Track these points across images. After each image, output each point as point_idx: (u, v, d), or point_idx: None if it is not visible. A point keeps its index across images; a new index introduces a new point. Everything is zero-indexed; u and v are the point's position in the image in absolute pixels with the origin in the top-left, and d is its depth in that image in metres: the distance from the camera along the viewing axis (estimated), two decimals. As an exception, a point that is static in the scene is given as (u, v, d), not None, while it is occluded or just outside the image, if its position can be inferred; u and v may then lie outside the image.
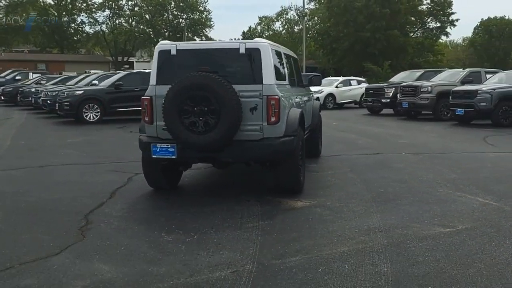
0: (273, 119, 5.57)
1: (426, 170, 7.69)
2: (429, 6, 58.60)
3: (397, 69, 49.10)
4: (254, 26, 58.80)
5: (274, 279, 3.65)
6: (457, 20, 61.03)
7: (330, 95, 23.05)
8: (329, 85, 23.79)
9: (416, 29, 59.52)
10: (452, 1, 58.06)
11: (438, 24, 60.09)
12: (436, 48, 60.69)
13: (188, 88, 5.41)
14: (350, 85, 23.91)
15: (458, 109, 14.47)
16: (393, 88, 18.55)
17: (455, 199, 5.89)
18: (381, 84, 19.79)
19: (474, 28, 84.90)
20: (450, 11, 59.37)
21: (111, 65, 57.80)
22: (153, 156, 5.80)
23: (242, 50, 5.66)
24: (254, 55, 5.66)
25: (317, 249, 4.26)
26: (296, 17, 55.49)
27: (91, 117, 15.43)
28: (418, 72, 20.39)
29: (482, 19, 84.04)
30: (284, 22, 55.53)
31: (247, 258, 4.08)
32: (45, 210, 5.68)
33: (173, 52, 5.76)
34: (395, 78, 21.01)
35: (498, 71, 17.12)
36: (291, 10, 55.01)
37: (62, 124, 15.67)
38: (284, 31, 54.99)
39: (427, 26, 60.47)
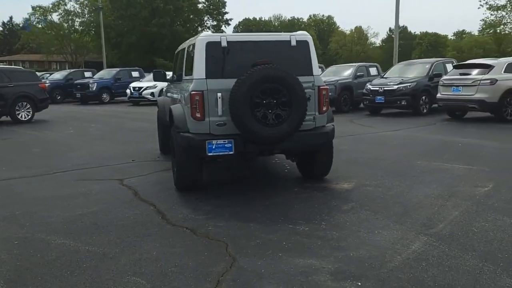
0: (324, 108, 5.89)
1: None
2: (205, 5, 61.78)
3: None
4: (28, 16, 52.99)
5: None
6: (231, 19, 65.94)
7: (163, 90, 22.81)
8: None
9: (195, 26, 62.16)
10: (225, 1, 62.29)
11: (215, 23, 63.86)
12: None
13: (262, 80, 5.33)
14: (181, 79, 24.04)
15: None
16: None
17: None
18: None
19: (234, 28, 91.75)
20: (224, 11, 63.66)
21: None
22: (209, 154, 5.52)
23: (293, 43, 5.79)
24: (303, 47, 5.85)
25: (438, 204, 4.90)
26: (78, 8, 52.02)
27: None
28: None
29: (244, 18, 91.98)
30: (63, 14, 51.50)
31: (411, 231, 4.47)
32: None
33: (224, 44, 5.55)
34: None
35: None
36: (70, 0, 51.21)
37: None
38: (64, 22, 50.99)
39: (205, 24, 63.74)
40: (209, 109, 5.50)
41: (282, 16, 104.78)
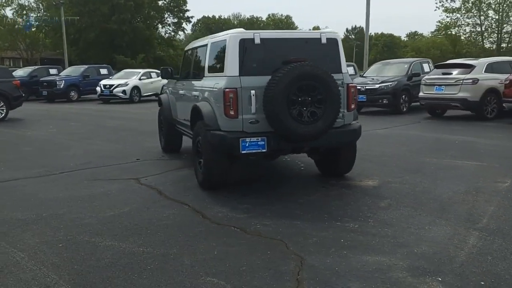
0: (352, 106, 5.93)
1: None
2: (165, 2, 60.96)
3: (149, 63, 50.01)
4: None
5: None
6: (192, 17, 65.36)
7: (136, 88, 22.39)
8: (127, 78, 23.06)
9: (155, 23, 61.23)
10: (186, -1, 61.58)
11: (176, 20, 63.12)
12: (175, 43, 63.75)
13: (300, 78, 5.30)
14: (151, 77, 23.66)
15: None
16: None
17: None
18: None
19: (193, 25, 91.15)
20: (185, 8, 63.01)
21: None
22: (242, 152, 5.46)
23: (323, 40, 5.79)
24: (333, 45, 5.86)
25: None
26: (33, 3, 50.11)
27: None
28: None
29: (203, 16, 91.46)
30: (17, 8, 49.53)
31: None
32: None
33: (257, 41, 5.49)
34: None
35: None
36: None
37: None
38: (19, 17, 49.03)
39: (165, 21, 62.90)
40: (242, 106, 5.41)
41: (241, 15, 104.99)
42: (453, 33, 51.57)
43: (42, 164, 7.81)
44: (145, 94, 22.85)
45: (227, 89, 5.36)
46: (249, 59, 5.46)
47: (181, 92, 7.30)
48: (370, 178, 6.48)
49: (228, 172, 5.87)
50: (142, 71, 23.91)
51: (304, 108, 5.39)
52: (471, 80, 12.76)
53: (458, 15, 50.18)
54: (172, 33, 63.96)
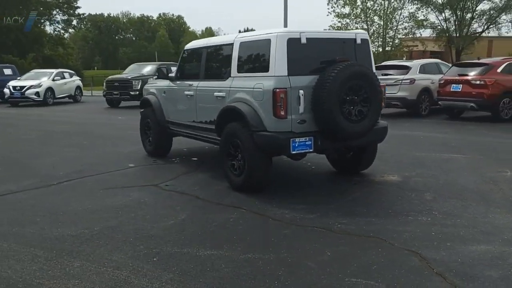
0: (382, 104, 6.20)
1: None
2: (55, -1, 57.39)
3: (38, 62, 46.64)
4: None
5: None
6: (83, 14, 62.17)
7: (49, 89, 20.85)
8: (39, 79, 21.43)
9: (43, 21, 57.29)
10: (77, -5, 58.48)
11: (66, 17, 59.63)
12: (65, 41, 60.27)
13: (351, 77, 5.42)
14: (65, 77, 22.17)
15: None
16: (141, 81, 18.80)
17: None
18: (126, 76, 19.56)
19: (77, 23, 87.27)
20: (76, 5, 59.79)
21: None
22: (292, 152, 5.48)
23: (358, 41, 5.95)
24: (365, 45, 6.05)
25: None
26: None
27: None
28: (149, 65, 20.99)
29: (90, 14, 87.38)
30: None
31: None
32: None
33: (303, 40, 5.51)
34: (128, 70, 21.06)
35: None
36: None
37: None
38: None
39: (54, 18, 59.14)
40: (291, 106, 5.40)
41: (130, 13, 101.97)
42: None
43: (28, 175, 7.07)
44: (59, 96, 21.38)
45: (278, 89, 5.30)
46: (295, 59, 5.45)
47: (187, 93, 7.01)
48: (387, 173, 6.76)
49: (270, 174, 5.79)
50: (54, 71, 22.29)
51: (352, 107, 5.50)
52: (408, 80, 13.75)
53: (348, 20, 53.39)
54: (62, 31, 60.27)
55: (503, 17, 49.26)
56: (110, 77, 20.22)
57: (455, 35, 46.89)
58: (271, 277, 3.57)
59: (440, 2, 50.10)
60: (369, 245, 4.18)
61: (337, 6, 51.21)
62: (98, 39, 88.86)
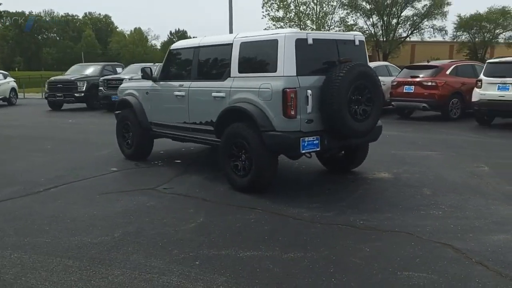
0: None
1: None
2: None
3: None
4: None
5: None
6: (4, 11, 58.95)
7: (-16, 91, 19.53)
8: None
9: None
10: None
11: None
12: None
13: (358, 77, 5.58)
14: (-2, 79, 20.85)
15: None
16: (86, 82, 18.18)
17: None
18: (70, 78, 18.75)
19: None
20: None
21: None
22: (302, 152, 5.58)
23: (356, 42, 6.15)
24: (362, 46, 6.25)
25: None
26: None
27: None
28: (92, 66, 20.27)
29: (7, 11, 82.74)
30: None
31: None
32: None
33: (310, 41, 5.61)
34: (70, 71, 20.23)
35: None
36: None
37: None
38: None
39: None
40: (300, 106, 5.48)
41: (54, 12, 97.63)
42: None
43: (3, 182, 6.64)
44: (-7, 98, 20.02)
45: (288, 89, 5.34)
46: (302, 59, 5.52)
47: (177, 93, 6.86)
48: (375, 171, 6.99)
49: (276, 173, 5.83)
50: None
51: (357, 106, 5.66)
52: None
53: (282, 24, 54.36)
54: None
55: (426, 23, 52.40)
56: (52, 78, 19.30)
57: (382, 39, 49.18)
58: (326, 275, 3.60)
59: (368, 8, 52.50)
60: (400, 239, 4.31)
61: (271, 9, 52.30)
62: (19, 38, 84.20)
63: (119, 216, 5.06)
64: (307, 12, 53.93)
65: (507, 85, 11.16)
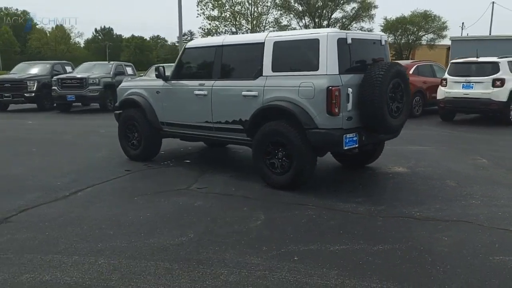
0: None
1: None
2: None
3: None
4: None
5: None
6: None
7: None
8: None
9: None
10: None
11: None
12: None
13: (394, 75, 5.84)
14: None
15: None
16: (36, 81, 17.31)
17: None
18: (19, 77, 17.70)
19: None
20: None
21: None
22: (345, 148, 5.77)
23: (383, 42, 6.42)
24: (386, 46, 6.54)
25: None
26: None
27: None
28: (40, 64, 19.27)
29: None
30: None
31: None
32: None
33: (349, 41, 5.80)
34: (17, 70, 19.10)
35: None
36: None
37: None
38: None
39: None
40: (342, 104, 5.66)
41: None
42: (213, 38, 55.51)
43: (19, 187, 6.25)
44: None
45: (333, 87, 5.49)
46: (343, 58, 5.69)
47: (198, 92, 6.78)
48: (387, 165, 7.30)
49: (314, 170, 5.96)
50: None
51: (392, 104, 5.92)
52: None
53: (217, 23, 54.35)
54: None
55: (354, 25, 54.58)
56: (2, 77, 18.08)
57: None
58: (428, 264, 3.78)
59: (300, 10, 53.79)
60: (466, 227, 4.59)
61: (206, 8, 52.12)
62: None
63: (177, 217, 4.97)
64: (242, 11, 54.32)
65: (471, 83, 11.96)
